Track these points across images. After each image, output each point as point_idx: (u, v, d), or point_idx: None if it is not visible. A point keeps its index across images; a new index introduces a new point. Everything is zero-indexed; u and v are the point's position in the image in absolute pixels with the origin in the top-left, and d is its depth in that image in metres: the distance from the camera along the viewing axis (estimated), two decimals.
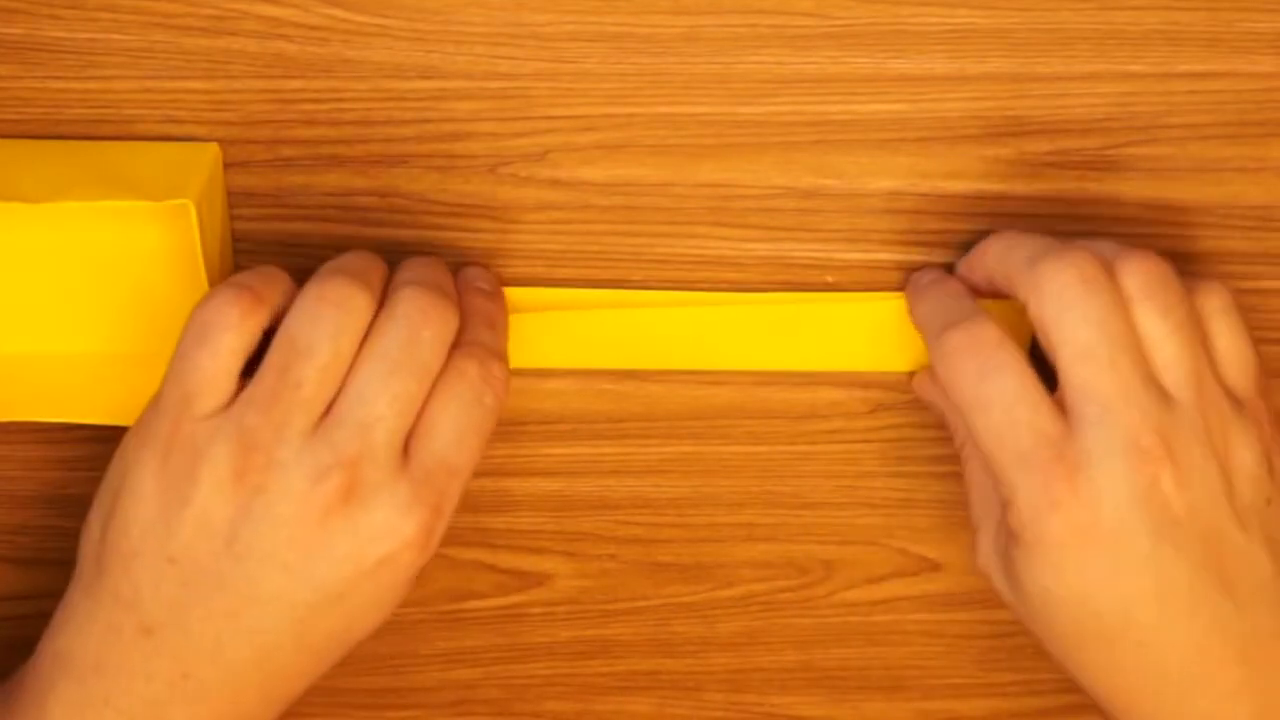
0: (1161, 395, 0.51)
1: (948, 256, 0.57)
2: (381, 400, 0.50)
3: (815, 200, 0.57)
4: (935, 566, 0.62)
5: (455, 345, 0.52)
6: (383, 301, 0.52)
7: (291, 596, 0.50)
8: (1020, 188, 0.57)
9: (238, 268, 0.57)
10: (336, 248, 0.57)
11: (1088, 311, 0.51)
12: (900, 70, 0.55)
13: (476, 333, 0.53)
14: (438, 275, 0.53)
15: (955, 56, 0.54)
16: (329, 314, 0.50)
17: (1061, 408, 0.51)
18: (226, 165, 0.55)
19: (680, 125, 0.55)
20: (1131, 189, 0.57)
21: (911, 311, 0.57)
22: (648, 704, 0.64)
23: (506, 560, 0.62)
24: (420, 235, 0.57)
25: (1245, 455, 0.51)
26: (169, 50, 0.54)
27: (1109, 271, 0.51)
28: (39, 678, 0.53)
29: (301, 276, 0.52)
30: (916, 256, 0.57)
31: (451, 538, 0.61)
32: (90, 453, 0.59)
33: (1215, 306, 0.53)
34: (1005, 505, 0.51)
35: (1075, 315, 0.51)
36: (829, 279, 0.58)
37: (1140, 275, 0.51)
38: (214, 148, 0.55)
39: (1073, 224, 0.57)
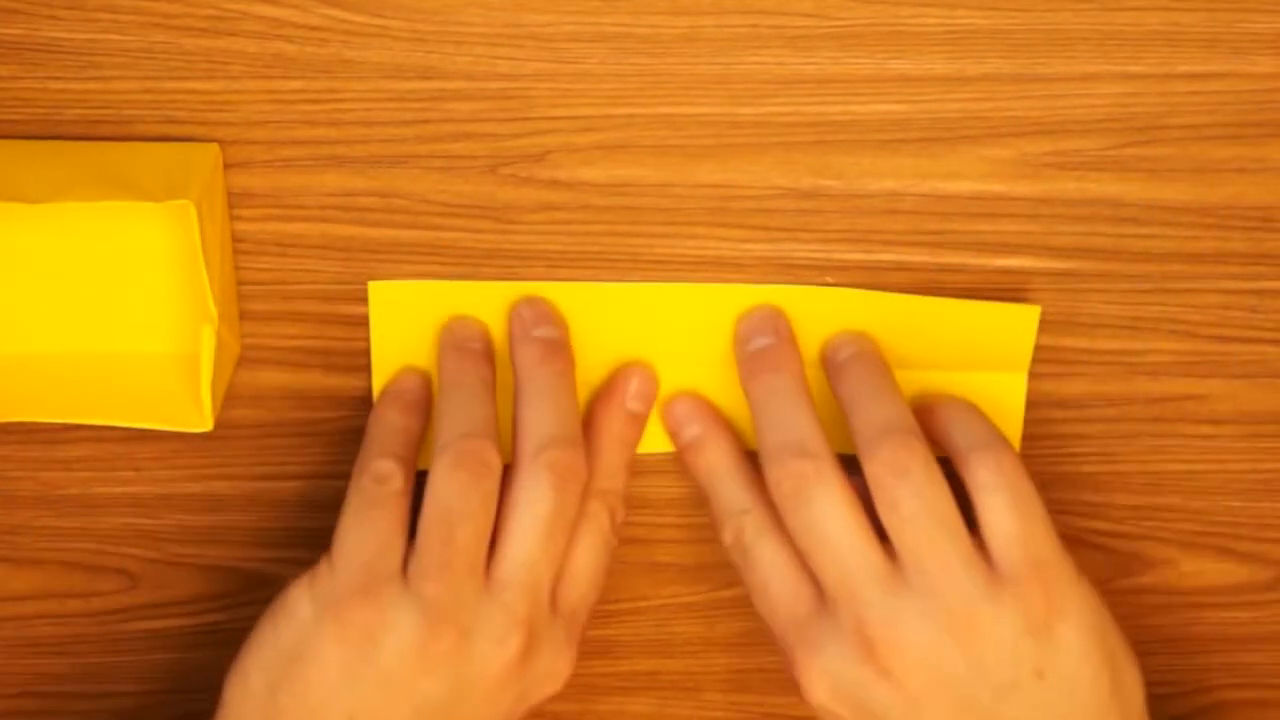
0: (895, 583, 0.53)
1: (948, 257, 0.57)
2: (542, 563, 0.54)
3: (815, 200, 0.57)
4: None
5: (589, 488, 0.56)
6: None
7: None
8: (1020, 188, 0.57)
9: (238, 268, 0.57)
10: (336, 248, 0.57)
11: (806, 516, 0.54)
12: (900, 70, 0.55)
13: (612, 479, 0.57)
14: (562, 416, 0.55)
15: (955, 57, 0.54)
16: (470, 481, 0.53)
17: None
18: (226, 165, 0.55)
19: (680, 125, 0.55)
20: (1131, 189, 0.57)
21: (694, 476, 0.59)
22: (648, 704, 0.64)
23: None
24: (420, 235, 0.57)
25: (996, 630, 0.52)
26: (169, 50, 0.54)
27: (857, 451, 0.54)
28: None
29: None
30: (916, 256, 0.57)
31: None
32: (90, 453, 0.59)
33: (986, 477, 0.53)
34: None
35: (797, 519, 0.54)
36: (829, 279, 0.58)
37: (883, 465, 0.53)
38: (214, 148, 0.55)
39: (1073, 224, 0.57)
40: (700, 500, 0.61)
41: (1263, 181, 0.57)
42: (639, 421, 0.58)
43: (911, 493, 0.52)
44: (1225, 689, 0.63)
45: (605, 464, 0.57)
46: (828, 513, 0.53)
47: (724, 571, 0.62)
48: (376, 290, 0.57)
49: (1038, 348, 0.58)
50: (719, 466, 0.58)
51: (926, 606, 0.52)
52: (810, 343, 0.58)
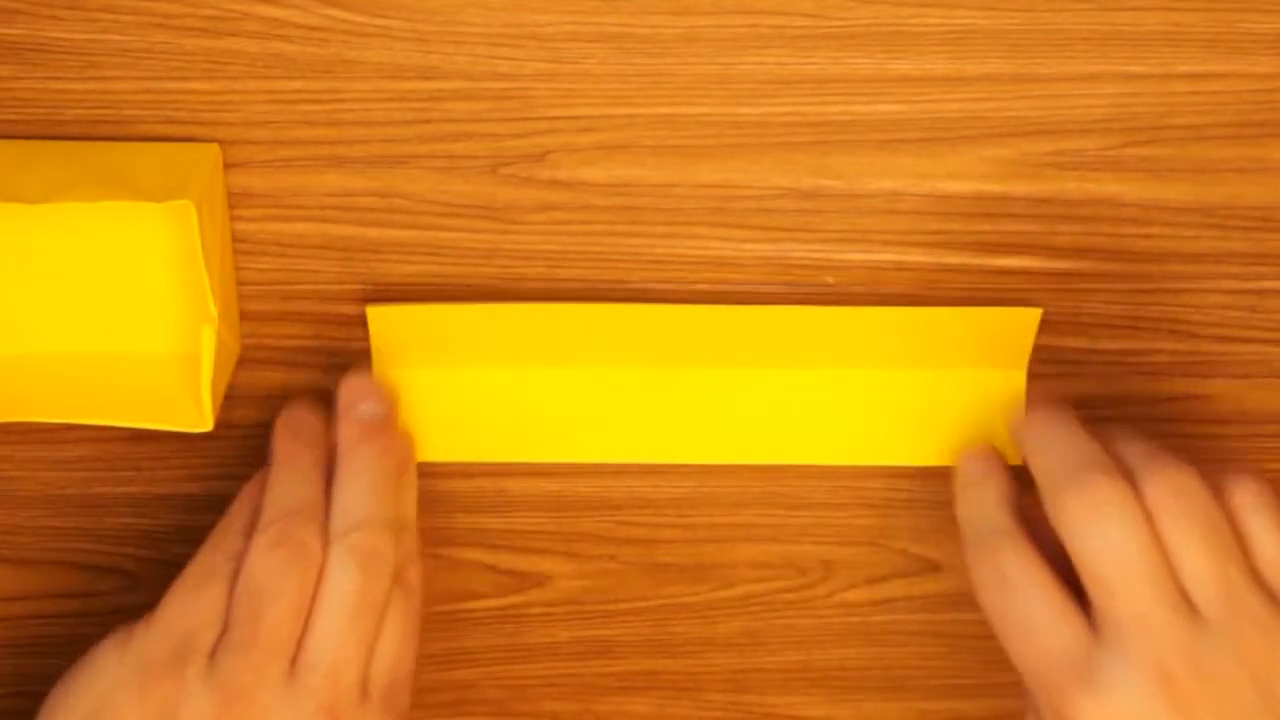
0: (1190, 615, 0.50)
1: (948, 257, 0.57)
2: (349, 644, 0.53)
3: (815, 200, 0.57)
4: (935, 566, 0.62)
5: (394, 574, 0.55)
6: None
7: None
8: (1020, 188, 0.57)
9: (238, 268, 0.57)
10: (336, 248, 0.57)
11: (1101, 539, 0.51)
12: (900, 70, 0.55)
13: (412, 563, 0.56)
14: (377, 500, 0.55)
15: (955, 57, 0.54)
16: (287, 559, 0.53)
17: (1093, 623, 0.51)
18: (226, 165, 0.55)
19: (680, 126, 0.55)
20: (1131, 189, 0.57)
21: (955, 504, 0.57)
22: (648, 704, 0.64)
23: (506, 561, 0.62)
24: (420, 235, 0.57)
25: None
26: (169, 51, 0.54)
27: (1131, 483, 0.52)
28: None
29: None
30: (916, 256, 0.57)
31: (451, 538, 0.61)
32: (90, 453, 0.59)
33: (1249, 503, 0.52)
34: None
35: (1092, 545, 0.51)
36: (829, 279, 0.58)
37: (1163, 489, 0.52)
38: (214, 148, 0.55)
39: (1073, 224, 0.57)
40: (700, 500, 0.61)
41: (1263, 181, 0.57)
42: (386, 441, 0.57)
43: (1191, 518, 0.51)
44: None
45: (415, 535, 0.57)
46: (1132, 535, 0.51)
47: (724, 571, 0.62)
48: (375, 315, 0.57)
49: (1037, 348, 0.58)
50: (984, 493, 0.56)
51: (1225, 638, 0.50)
52: (811, 351, 0.58)
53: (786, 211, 0.57)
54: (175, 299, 0.56)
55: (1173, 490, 0.52)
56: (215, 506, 0.60)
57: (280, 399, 0.59)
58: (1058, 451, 0.54)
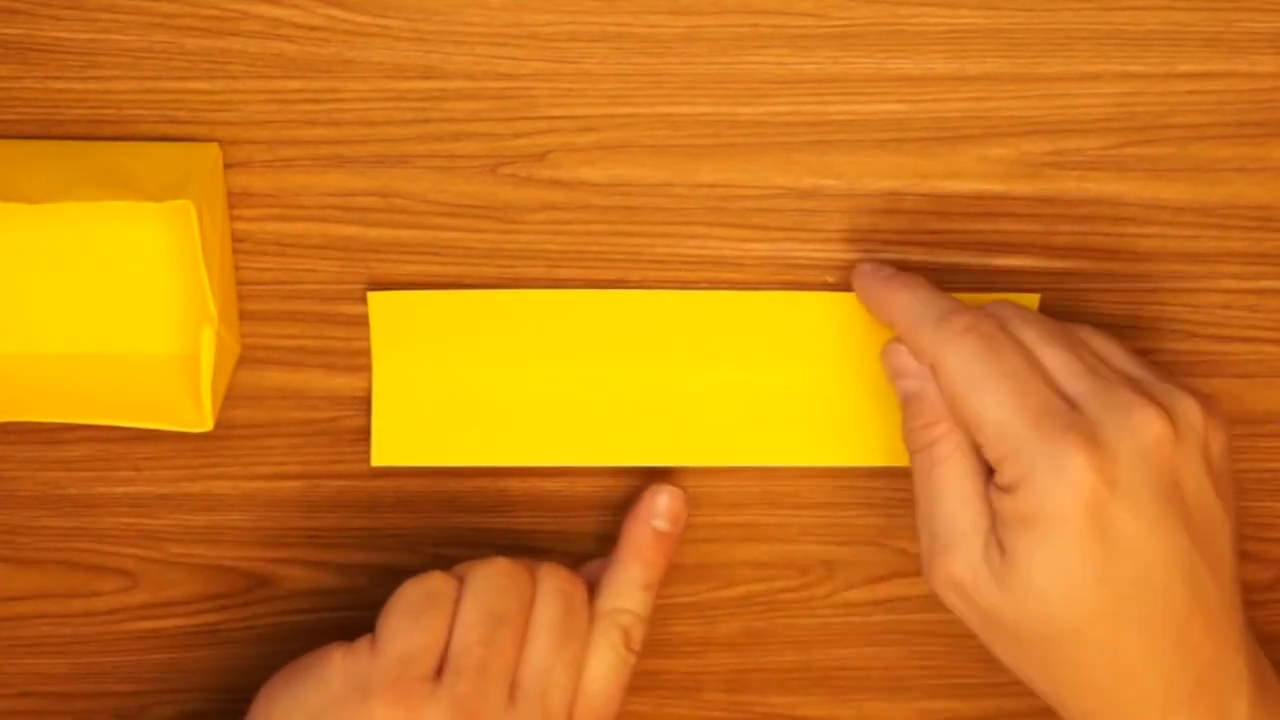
0: (1127, 374, 0.53)
1: (948, 257, 0.57)
2: (558, 668, 0.54)
3: (815, 200, 0.57)
4: None
5: (598, 607, 0.57)
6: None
7: None
8: (1020, 188, 0.57)
9: (238, 268, 0.57)
10: (336, 248, 0.57)
11: (1035, 320, 0.53)
12: (900, 70, 0.55)
13: (625, 598, 0.57)
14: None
15: (955, 56, 0.54)
16: (509, 586, 0.55)
17: None
18: (226, 165, 0.55)
19: (680, 125, 0.55)
20: (1131, 189, 0.57)
21: (879, 303, 0.56)
22: (648, 704, 0.64)
23: None
24: (420, 235, 0.57)
25: (1216, 430, 0.52)
26: (169, 50, 0.54)
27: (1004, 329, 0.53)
28: None
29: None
30: (916, 256, 0.57)
31: (451, 539, 0.61)
32: (90, 453, 0.59)
33: (1085, 333, 0.54)
34: (1008, 488, 0.51)
35: (1025, 318, 0.53)
36: (829, 279, 0.58)
37: (1031, 322, 0.53)
38: (214, 148, 0.55)
39: (1072, 224, 0.57)
40: (700, 500, 0.61)
41: (1263, 181, 0.57)
42: (665, 541, 0.58)
43: (1051, 331, 0.53)
44: None
45: (620, 581, 0.57)
46: (1066, 345, 0.53)
47: (724, 571, 0.62)
48: (376, 300, 0.57)
49: None
50: (915, 280, 0.56)
51: (1163, 388, 0.52)
52: (811, 346, 0.58)
53: (786, 211, 0.57)
54: (175, 299, 0.56)
55: (1034, 320, 0.53)
56: (215, 506, 0.60)
57: (280, 399, 0.59)
58: (922, 313, 0.54)
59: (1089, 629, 0.51)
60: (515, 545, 0.61)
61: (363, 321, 0.58)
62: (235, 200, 0.56)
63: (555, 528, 0.61)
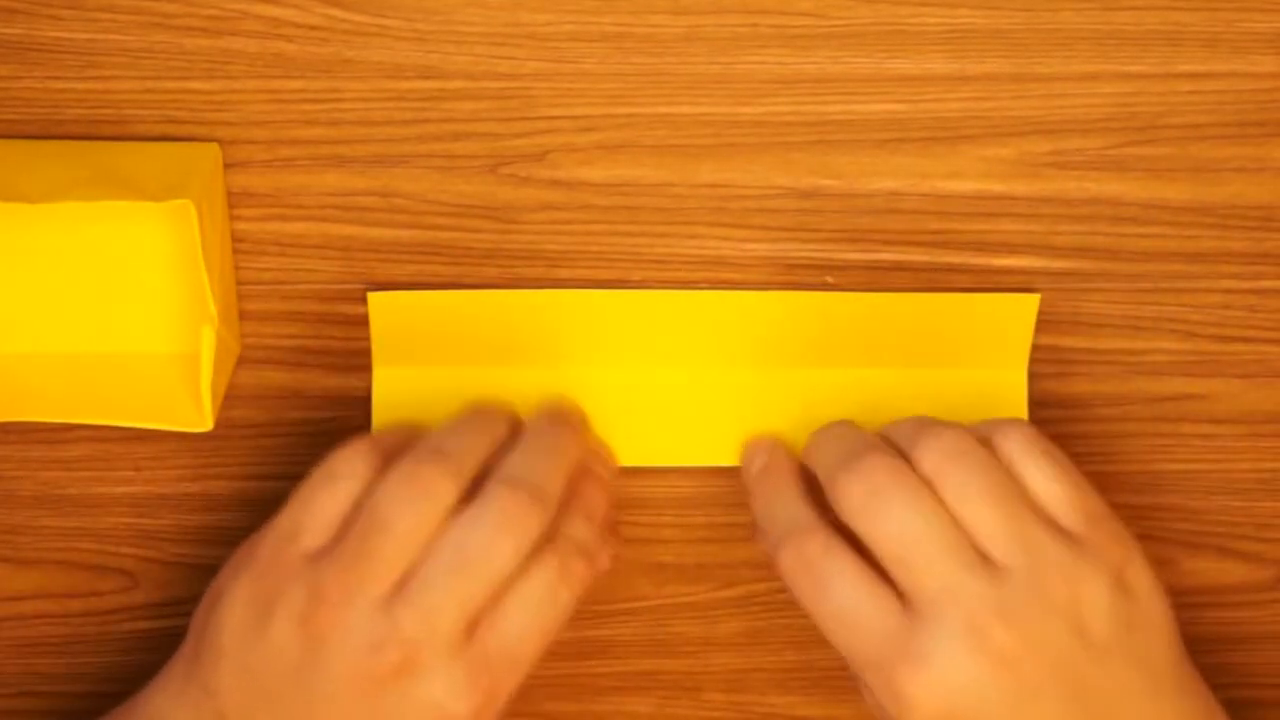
0: (992, 571, 0.51)
1: (948, 257, 0.57)
2: (449, 597, 0.52)
3: (815, 200, 0.57)
4: None
5: (548, 536, 0.53)
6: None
7: None
8: (1020, 188, 0.57)
9: (238, 268, 0.57)
10: (336, 248, 0.57)
11: (886, 519, 0.52)
12: (900, 70, 0.55)
13: (572, 526, 0.54)
14: (547, 466, 0.54)
15: (955, 56, 0.54)
16: (413, 496, 0.52)
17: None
18: (226, 165, 0.55)
19: (680, 125, 0.55)
20: (1131, 189, 0.57)
21: (757, 519, 0.57)
22: (648, 704, 0.64)
23: None
24: (420, 235, 0.57)
25: (1091, 593, 0.52)
26: (169, 50, 0.54)
27: (903, 465, 0.52)
28: None
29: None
30: (916, 256, 0.57)
31: None
32: (90, 453, 0.59)
33: (1018, 453, 0.53)
34: (872, 699, 0.53)
35: (876, 524, 0.52)
36: (829, 279, 0.58)
37: (935, 454, 0.52)
38: (214, 148, 0.55)
39: (1073, 224, 0.57)
40: (700, 500, 0.61)
41: (1263, 181, 0.57)
42: (606, 485, 0.57)
43: (967, 478, 0.52)
44: (1226, 689, 0.63)
45: (571, 510, 0.55)
46: (916, 510, 0.52)
47: (724, 571, 0.62)
48: (376, 300, 0.57)
49: (1038, 348, 0.58)
50: (777, 487, 0.56)
51: (1029, 584, 0.51)
52: (812, 348, 0.58)
53: (786, 211, 0.57)
54: (175, 299, 0.56)
55: (944, 454, 0.52)
56: (215, 506, 0.60)
57: (280, 399, 0.59)
58: (829, 443, 0.55)
59: None
60: None
61: (363, 321, 0.58)
62: (235, 200, 0.56)
63: None
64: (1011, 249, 0.57)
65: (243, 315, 0.58)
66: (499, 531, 0.52)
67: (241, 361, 0.58)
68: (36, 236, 0.55)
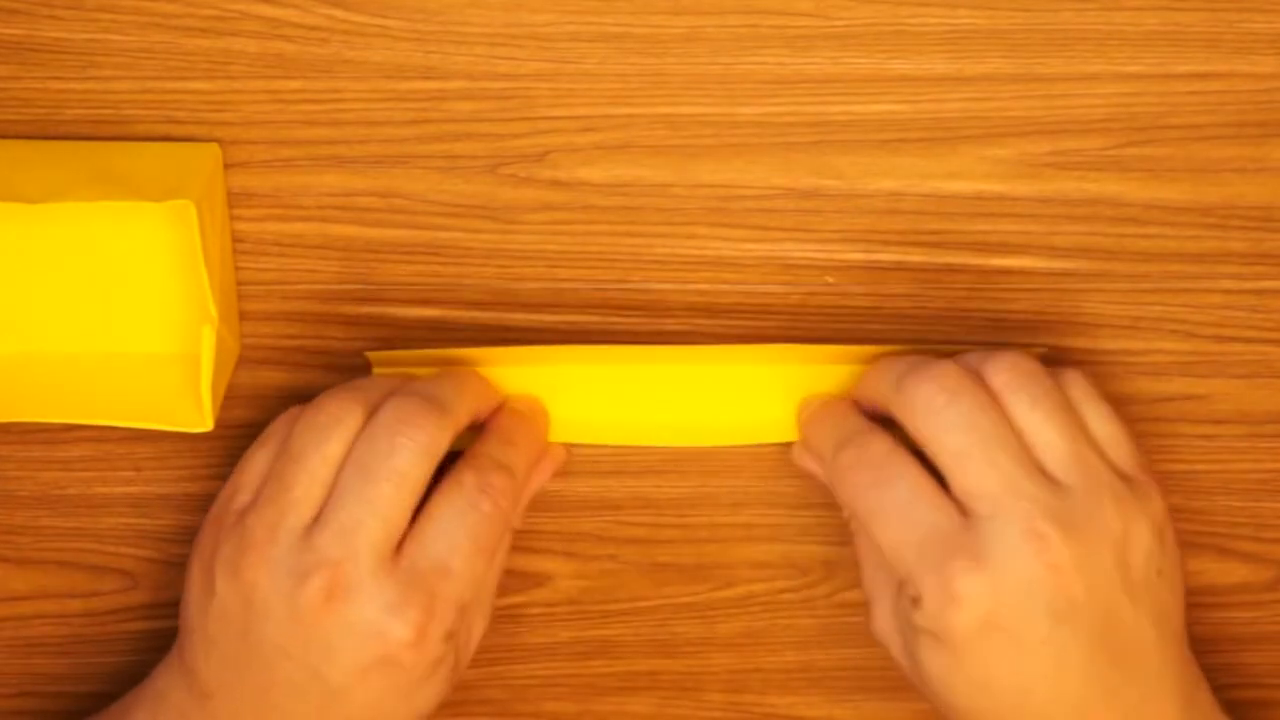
0: (1049, 482, 0.52)
1: (948, 257, 0.57)
2: (360, 506, 0.52)
3: (815, 200, 0.57)
4: None
5: (463, 457, 0.54)
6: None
7: (303, 685, 0.53)
8: (1020, 188, 0.57)
9: (238, 268, 0.57)
10: (336, 248, 0.57)
11: (955, 417, 0.52)
12: (900, 70, 0.55)
13: (486, 445, 0.55)
14: (449, 386, 0.55)
15: (955, 57, 0.54)
16: (320, 424, 0.53)
17: (959, 505, 0.52)
18: (226, 165, 0.55)
19: (680, 125, 0.55)
20: (1131, 189, 0.57)
21: (807, 440, 0.58)
22: (648, 704, 0.64)
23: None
24: (420, 235, 0.57)
25: (1140, 530, 0.52)
26: (169, 50, 0.54)
27: (975, 376, 0.53)
28: (142, 706, 0.57)
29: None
30: (916, 256, 0.57)
31: None
32: (90, 453, 0.59)
33: (1079, 395, 0.54)
34: (911, 599, 0.52)
35: (944, 422, 0.52)
36: (829, 279, 0.58)
37: (1006, 372, 0.53)
38: (214, 148, 0.55)
39: (1073, 224, 0.57)
40: (700, 500, 0.61)
41: (1263, 181, 0.57)
42: (524, 417, 0.57)
43: (1035, 395, 0.53)
44: (1226, 689, 0.63)
45: (487, 435, 0.56)
46: (984, 411, 0.52)
47: (724, 571, 0.62)
48: (377, 360, 0.57)
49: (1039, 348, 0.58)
50: (836, 410, 0.57)
51: (1085, 503, 0.52)
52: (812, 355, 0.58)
53: (786, 211, 0.57)
54: (175, 299, 0.56)
55: (1015, 373, 0.53)
56: None
57: (280, 399, 0.59)
58: (895, 361, 0.55)
59: (977, 715, 0.53)
60: (516, 545, 0.61)
61: (363, 322, 0.58)
62: (235, 200, 0.56)
63: (554, 528, 0.61)
64: (1011, 249, 0.57)
65: (243, 315, 0.58)
66: (395, 434, 0.53)
67: (241, 361, 0.58)
68: (36, 236, 0.55)
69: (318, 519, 0.52)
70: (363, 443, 0.53)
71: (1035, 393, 0.53)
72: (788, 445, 0.60)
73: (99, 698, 0.62)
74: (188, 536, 0.61)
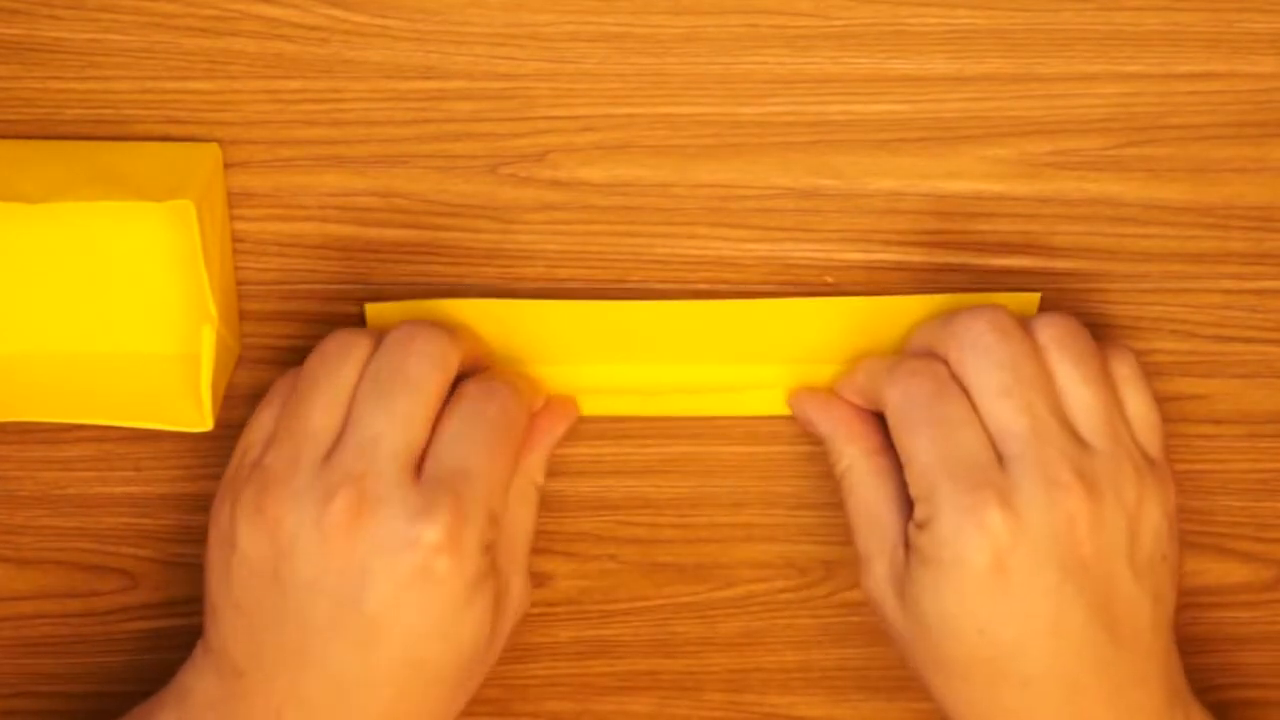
0: (1078, 438, 0.52)
1: (947, 257, 0.57)
2: (377, 418, 0.52)
3: (815, 200, 0.57)
4: None
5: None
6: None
7: (343, 623, 0.52)
8: (1020, 188, 0.57)
9: (238, 268, 0.57)
10: (336, 248, 0.57)
11: (1002, 356, 0.53)
12: (900, 70, 0.55)
13: (488, 371, 0.56)
14: (451, 329, 0.55)
15: (955, 56, 0.54)
16: (330, 353, 0.54)
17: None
18: (226, 165, 0.55)
19: (680, 125, 0.55)
20: (1131, 189, 0.57)
21: (855, 366, 0.57)
22: (648, 704, 0.64)
23: None
24: (420, 235, 0.57)
25: (1153, 510, 0.53)
26: (169, 50, 0.54)
27: (1024, 327, 0.53)
28: (166, 707, 0.55)
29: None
30: (916, 256, 0.57)
31: None
32: (90, 453, 0.59)
33: (1124, 373, 0.54)
34: (920, 524, 0.52)
35: (990, 360, 0.53)
36: (829, 279, 0.58)
37: (1054, 328, 0.54)
38: (214, 148, 0.55)
39: (1073, 224, 0.57)
40: (700, 500, 0.61)
41: (1263, 181, 0.57)
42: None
43: (1079, 356, 0.53)
44: (1226, 689, 0.63)
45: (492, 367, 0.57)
46: (1027, 356, 0.53)
47: (724, 571, 0.62)
48: (373, 311, 0.57)
49: None
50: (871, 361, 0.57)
51: (1107, 465, 0.52)
52: (810, 349, 0.58)
53: (786, 211, 0.57)
54: (175, 299, 0.56)
55: (1062, 331, 0.54)
56: None
57: None
58: (946, 314, 0.55)
59: (972, 669, 0.53)
60: None
61: (362, 321, 0.58)
62: (235, 200, 0.56)
63: (555, 528, 0.61)
64: (1011, 249, 0.57)
65: (243, 315, 0.58)
66: (407, 349, 0.53)
67: (241, 361, 0.58)
68: (36, 236, 0.56)
69: (337, 443, 0.52)
70: (375, 361, 0.53)
71: (1079, 354, 0.53)
72: (788, 445, 0.60)
73: (99, 697, 0.62)
74: (188, 536, 0.61)
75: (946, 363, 0.54)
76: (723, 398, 0.59)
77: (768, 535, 0.62)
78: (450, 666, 0.53)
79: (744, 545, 0.62)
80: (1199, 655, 0.63)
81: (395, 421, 0.52)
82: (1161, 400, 0.59)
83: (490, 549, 0.53)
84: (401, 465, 0.52)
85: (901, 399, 0.54)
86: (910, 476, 0.53)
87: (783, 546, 0.62)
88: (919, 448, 0.53)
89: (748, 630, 0.63)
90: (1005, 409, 0.52)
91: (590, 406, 0.59)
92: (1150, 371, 0.59)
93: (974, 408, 0.53)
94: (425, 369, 0.53)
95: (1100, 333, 0.58)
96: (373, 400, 0.52)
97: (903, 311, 0.57)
